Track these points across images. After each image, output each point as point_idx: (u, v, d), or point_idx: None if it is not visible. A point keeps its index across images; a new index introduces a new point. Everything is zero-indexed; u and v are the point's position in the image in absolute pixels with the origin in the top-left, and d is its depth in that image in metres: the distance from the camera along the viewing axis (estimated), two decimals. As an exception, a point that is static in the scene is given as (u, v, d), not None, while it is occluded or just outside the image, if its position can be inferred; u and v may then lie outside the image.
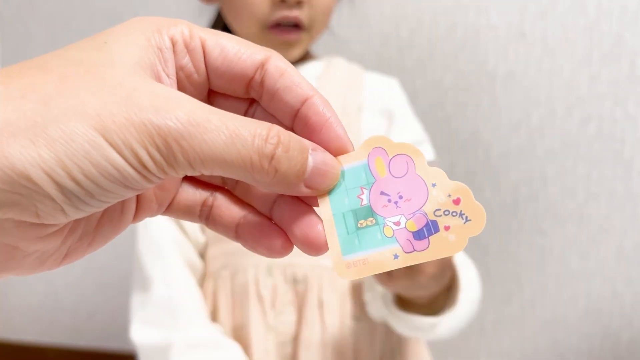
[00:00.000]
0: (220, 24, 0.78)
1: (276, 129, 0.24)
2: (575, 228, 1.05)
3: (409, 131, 0.77)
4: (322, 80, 0.76)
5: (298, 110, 0.27)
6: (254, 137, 0.23)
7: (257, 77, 0.27)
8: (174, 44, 0.26)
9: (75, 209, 0.22)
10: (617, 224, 1.03)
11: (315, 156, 0.26)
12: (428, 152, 0.77)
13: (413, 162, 0.27)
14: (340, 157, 0.27)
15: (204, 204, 0.29)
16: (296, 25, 0.70)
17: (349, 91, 0.76)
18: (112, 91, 0.22)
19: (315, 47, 0.83)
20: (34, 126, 0.21)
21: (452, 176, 0.27)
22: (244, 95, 0.28)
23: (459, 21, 1.01)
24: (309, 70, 0.78)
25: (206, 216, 0.29)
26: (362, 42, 1.04)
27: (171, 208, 0.28)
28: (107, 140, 0.21)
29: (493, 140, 1.04)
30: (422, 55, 1.03)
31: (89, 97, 0.21)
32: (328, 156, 0.26)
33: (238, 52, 0.26)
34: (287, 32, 0.70)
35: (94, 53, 0.23)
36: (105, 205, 0.23)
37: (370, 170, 0.27)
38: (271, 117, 0.28)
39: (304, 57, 0.79)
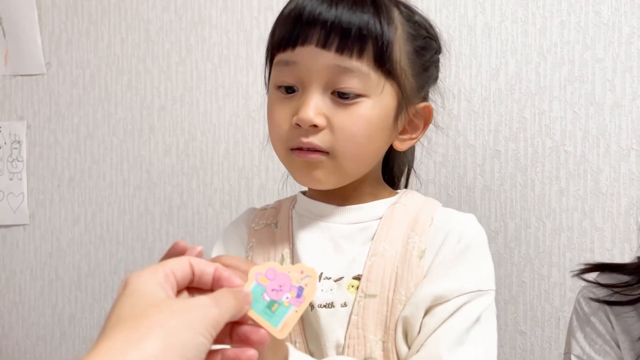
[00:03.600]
0: None
1: (233, 290, 0.48)
2: (552, 329, 1.12)
3: (461, 280, 0.70)
4: (384, 224, 0.73)
5: (213, 280, 0.49)
6: (234, 299, 0.46)
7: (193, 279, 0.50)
8: (163, 277, 0.46)
9: None
10: (591, 327, 1.10)
11: (243, 295, 0.49)
12: (482, 304, 0.70)
13: (275, 268, 0.52)
14: (244, 286, 0.50)
15: None
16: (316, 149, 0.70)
17: (413, 236, 0.72)
18: (184, 309, 0.43)
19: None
20: (172, 346, 0.40)
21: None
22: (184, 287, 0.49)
23: (440, 141, 1.13)
24: (368, 213, 0.75)
25: None
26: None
27: None
28: (201, 334, 0.42)
29: (473, 247, 1.13)
30: (408, 170, 1.15)
31: (178, 317, 0.41)
32: (244, 290, 0.50)
33: (185, 273, 0.48)
34: (306, 153, 0.70)
35: (156, 305, 0.43)
36: None
37: (259, 284, 0.51)
38: (199, 292, 0.49)
39: (368, 196, 0.76)
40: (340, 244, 0.74)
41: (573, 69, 1.10)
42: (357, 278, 0.71)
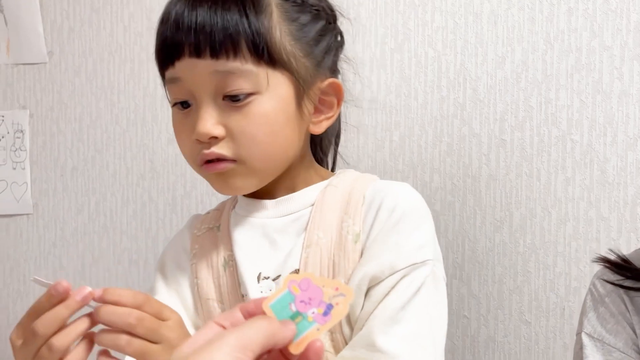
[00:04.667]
0: None
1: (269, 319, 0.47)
2: (557, 319, 1.12)
3: (393, 257, 0.67)
4: (316, 211, 0.71)
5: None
6: (264, 321, 0.45)
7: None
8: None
9: None
10: (596, 317, 1.09)
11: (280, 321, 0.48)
12: (418, 277, 0.67)
13: (311, 280, 0.49)
14: (268, 298, 0.48)
15: None
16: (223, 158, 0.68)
17: (346, 219, 0.70)
18: (205, 344, 0.43)
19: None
20: None
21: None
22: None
23: (445, 130, 1.12)
24: (299, 202, 0.73)
25: None
26: (358, 147, 1.16)
27: None
28: (231, 356, 0.41)
29: (478, 236, 1.13)
30: (413, 159, 1.14)
31: (200, 351, 0.42)
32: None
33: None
34: (215, 165, 0.68)
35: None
36: None
37: (290, 292, 0.48)
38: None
39: (300, 183, 0.74)
40: (275, 239, 0.72)
41: (580, 56, 1.08)
42: (295, 273, 0.69)
